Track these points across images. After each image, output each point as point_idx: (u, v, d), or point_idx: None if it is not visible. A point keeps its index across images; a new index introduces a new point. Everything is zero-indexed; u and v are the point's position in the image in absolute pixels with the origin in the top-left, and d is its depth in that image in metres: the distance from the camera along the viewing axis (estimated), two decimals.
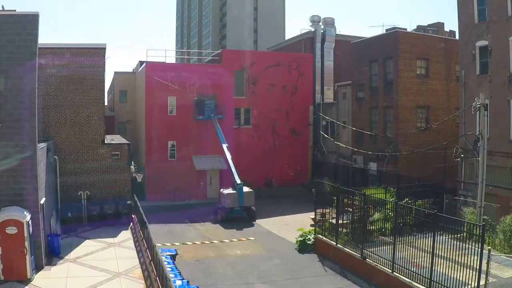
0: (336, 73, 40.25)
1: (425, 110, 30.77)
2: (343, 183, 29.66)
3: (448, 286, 14.23)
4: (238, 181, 28.55)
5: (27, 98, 17.31)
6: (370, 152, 30.50)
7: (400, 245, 16.83)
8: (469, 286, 13.67)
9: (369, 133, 32.37)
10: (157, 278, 14.83)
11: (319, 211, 22.10)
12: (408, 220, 18.17)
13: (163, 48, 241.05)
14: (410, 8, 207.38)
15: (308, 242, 22.02)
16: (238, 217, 28.18)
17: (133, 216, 25.76)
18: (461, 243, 14.00)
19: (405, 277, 15.94)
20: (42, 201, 18.61)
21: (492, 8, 23.38)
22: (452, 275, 14.12)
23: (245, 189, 28.81)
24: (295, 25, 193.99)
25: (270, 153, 37.07)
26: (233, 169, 29.32)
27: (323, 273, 18.91)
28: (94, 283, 16.43)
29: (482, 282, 13.43)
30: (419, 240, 16.23)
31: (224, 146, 30.72)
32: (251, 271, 19.14)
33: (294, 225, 26.10)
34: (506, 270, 15.44)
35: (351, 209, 20.51)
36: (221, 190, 29.86)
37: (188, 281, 15.61)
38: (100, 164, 26.10)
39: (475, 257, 13.30)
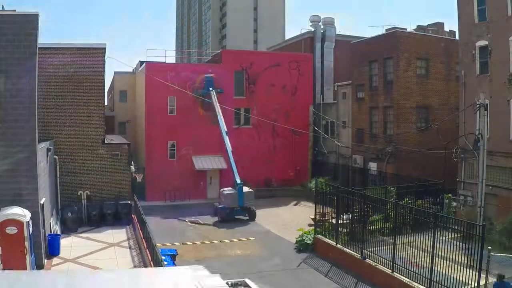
0: (336, 73, 40.23)
1: (425, 110, 30.74)
2: (343, 183, 29.70)
3: (448, 286, 14.24)
4: (238, 181, 28.56)
5: (27, 98, 17.31)
6: (371, 152, 30.51)
7: (400, 245, 16.83)
8: (469, 286, 13.67)
9: (369, 133, 32.41)
10: None
11: (319, 211, 22.11)
12: (408, 220, 18.18)
13: (163, 48, 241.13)
14: (410, 8, 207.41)
15: (308, 242, 22.03)
16: (238, 217, 28.23)
17: (133, 216, 25.76)
18: (461, 243, 14.01)
19: (405, 277, 15.95)
20: (42, 201, 18.61)
21: (492, 8, 23.38)
22: (452, 275, 14.12)
23: (245, 189, 28.82)
24: (295, 25, 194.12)
25: (270, 153, 37.05)
26: (234, 168, 29.27)
27: (323, 273, 18.90)
28: None
29: (482, 282, 13.44)
30: (419, 240, 16.23)
31: (224, 133, 30.41)
32: (251, 271, 19.13)
33: (294, 225, 26.07)
34: (506, 270, 15.45)
35: (351, 209, 20.52)
36: (221, 190, 29.88)
37: None
38: (100, 164, 26.10)
39: (475, 257, 13.30)
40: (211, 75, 33.82)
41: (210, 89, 33.09)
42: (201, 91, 33.82)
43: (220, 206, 28.67)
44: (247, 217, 28.48)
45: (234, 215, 28.20)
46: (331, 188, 22.57)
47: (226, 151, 30.39)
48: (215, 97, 32.53)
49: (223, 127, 30.79)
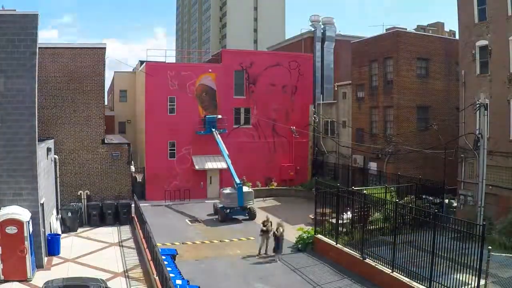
0: (336, 73, 40.27)
1: (425, 110, 30.75)
2: (343, 183, 29.70)
3: (448, 286, 14.24)
4: (238, 181, 28.61)
5: (27, 98, 17.33)
6: (371, 152, 30.47)
7: (400, 245, 16.82)
8: (469, 286, 13.66)
9: (369, 133, 32.40)
10: (157, 277, 14.84)
11: (319, 210, 22.10)
12: (408, 219, 18.17)
13: (163, 47, 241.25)
14: (410, 8, 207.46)
15: (308, 242, 22.03)
16: (238, 217, 28.26)
17: (133, 215, 25.79)
18: (461, 243, 13.99)
19: (405, 276, 15.95)
20: (42, 200, 18.62)
21: (492, 8, 23.38)
22: (452, 275, 14.11)
23: (245, 189, 28.88)
24: (295, 25, 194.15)
25: (270, 153, 37.10)
26: (233, 171, 29.37)
27: (323, 273, 18.89)
28: None
29: (482, 282, 13.43)
30: (419, 239, 16.21)
31: (226, 156, 30.75)
32: (251, 270, 19.15)
33: (294, 225, 26.08)
34: (506, 270, 15.44)
35: (351, 209, 20.51)
36: (222, 189, 29.98)
37: (188, 281, 15.61)
38: (100, 164, 26.13)
39: (475, 257, 13.29)
40: (214, 116, 33.93)
41: (213, 130, 33.19)
42: (203, 132, 33.86)
43: (220, 205, 28.70)
44: (247, 217, 28.50)
45: (234, 215, 28.21)
46: (331, 188, 22.49)
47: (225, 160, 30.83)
48: (218, 136, 32.49)
49: (225, 154, 30.92)
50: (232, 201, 28.10)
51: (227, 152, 31.08)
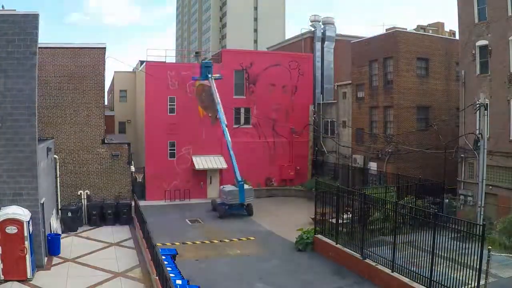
0: (336, 73, 40.26)
1: (425, 110, 30.75)
2: (343, 183, 29.72)
3: (448, 286, 14.24)
4: (240, 178, 28.87)
5: (27, 98, 17.34)
6: (371, 152, 30.44)
7: (400, 245, 16.83)
8: (469, 286, 13.67)
9: (369, 133, 32.41)
10: (157, 277, 14.84)
11: (319, 210, 22.11)
12: (408, 219, 18.16)
13: (163, 47, 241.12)
14: (410, 8, 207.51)
15: (308, 242, 22.03)
16: (237, 214, 28.50)
17: (133, 215, 25.79)
18: (461, 243, 13.99)
19: (405, 276, 15.95)
20: (42, 200, 18.63)
21: (492, 8, 23.40)
22: (452, 275, 14.12)
23: (245, 186, 29.28)
24: (295, 25, 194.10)
25: (270, 153, 37.11)
26: (235, 164, 29.31)
27: (323, 273, 18.90)
28: (94, 283, 16.44)
29: (482, 282, 13.44)
30: (419, 239, 16.22)
31: (224, 125, 29.71)
32: (251, 270, 19.15)
33: (294, 225, 26.05)
34: (506, 270, 15.46)
35: (351, 209, 20.50)
36: (222, 186, 30.34)
37: (188, 281, 15.61)
38: (100, 164, 26.13)
39: (475, 257, 13.30)
40: (209, 60, 32.80)
41: (209, 76, 31.87)
42: (198, 77, 32.84)
43: (219, 202, 28.96)
44: (246, 213, 28.82)
45: (233, 211, 28.46)
46: (331, 188, 22.49)
47: (227, 145, 30.08)
48: (214, 85, 31.63)
49: (223, 119, 30.13)
50: (234, 198, 28.46)
51: (226, 122, 30.08)
